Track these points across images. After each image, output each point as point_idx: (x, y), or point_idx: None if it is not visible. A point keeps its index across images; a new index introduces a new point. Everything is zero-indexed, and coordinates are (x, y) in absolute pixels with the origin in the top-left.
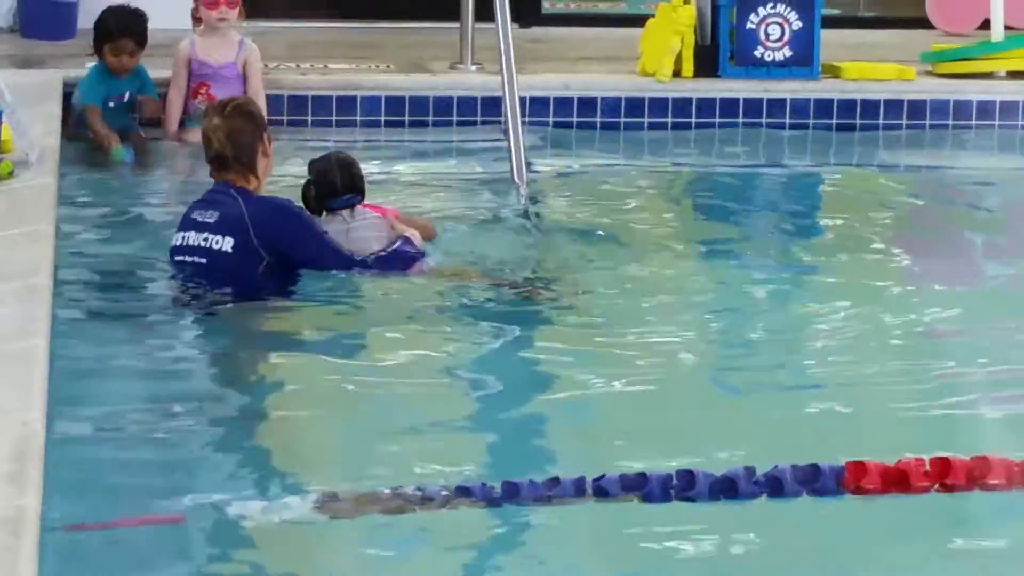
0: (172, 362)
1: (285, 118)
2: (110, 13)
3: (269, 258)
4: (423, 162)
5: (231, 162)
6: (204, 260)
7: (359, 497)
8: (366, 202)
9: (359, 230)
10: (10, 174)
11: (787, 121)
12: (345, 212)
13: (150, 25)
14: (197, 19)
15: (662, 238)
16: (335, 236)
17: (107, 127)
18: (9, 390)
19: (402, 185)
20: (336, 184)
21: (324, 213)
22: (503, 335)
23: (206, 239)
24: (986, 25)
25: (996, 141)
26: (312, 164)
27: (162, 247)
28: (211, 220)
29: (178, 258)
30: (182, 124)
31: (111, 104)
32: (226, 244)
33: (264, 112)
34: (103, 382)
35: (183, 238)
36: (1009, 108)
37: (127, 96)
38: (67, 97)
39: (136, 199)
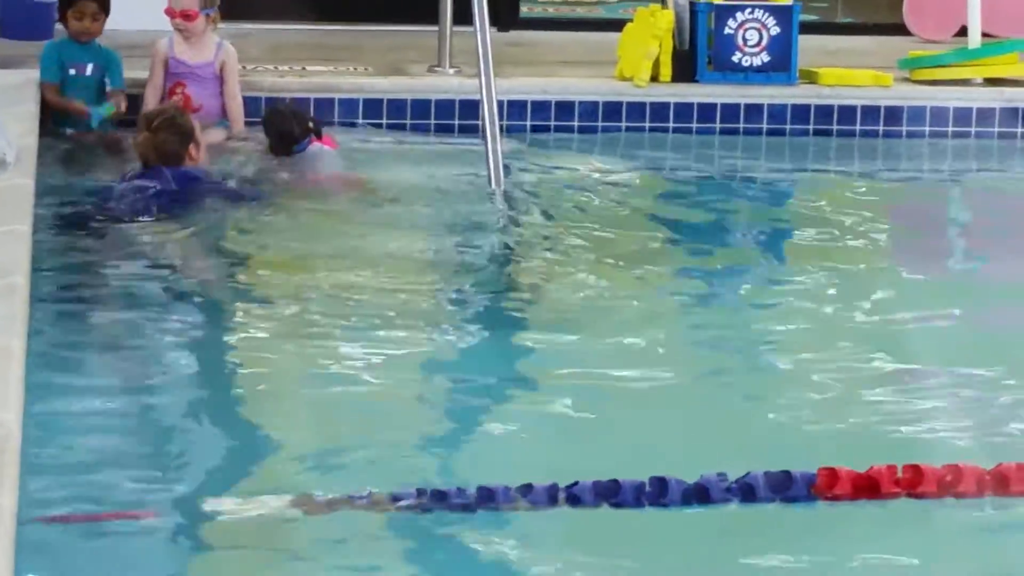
0: (148, 360)
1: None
2: None
3: None
4: (401, 165)
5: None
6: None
7: (334, 498)
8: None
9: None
10: None
11: (765, 127)
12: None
13: (132, 27)
14: None
15: (638, 242)
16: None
17: (67, 98)
18: None
19: (379, 188)
20: (294, 133)
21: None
22: (476, 338)
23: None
24: (963, 32)
25: (973, 148)
26: (270, 121)
27: (138, 246)
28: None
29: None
30: None
31: (72, 72)
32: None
33: (240, 112)
34: (79, 380)
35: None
36: (986, 115)
37: (90, 68)
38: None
39: (112, 199)
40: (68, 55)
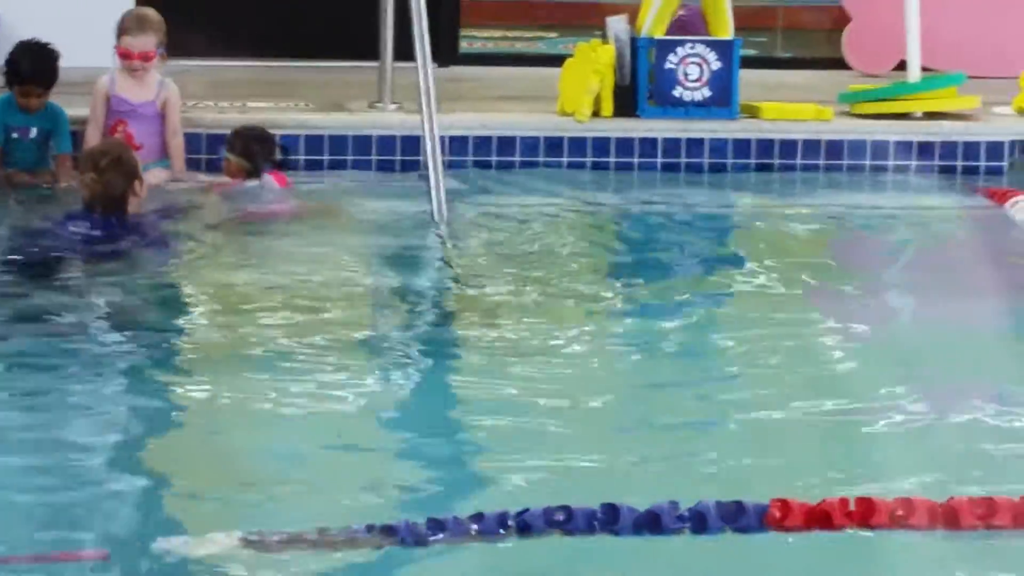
0: (95, 399)
1: (204, 157)
2: (20, 53)
3: None
4: (343, 199)
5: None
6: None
7: (285, 536)
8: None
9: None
10: None
11: (706, 161)
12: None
13: (70, 63)
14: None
15: (580, 277)
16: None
17: (5, 170)
18: None
19: (322, 222)
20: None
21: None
22: (419, 370)
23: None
24: (903, 66)
25: (912, 181)
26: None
27: (82, 292)
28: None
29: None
30: None
31: (14, 135)
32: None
33: (181, 150)
34: (27, 418)
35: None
36: (926, 148)
37: (34, 132)
38: None
39: (52, 242)
40: (10, 118)
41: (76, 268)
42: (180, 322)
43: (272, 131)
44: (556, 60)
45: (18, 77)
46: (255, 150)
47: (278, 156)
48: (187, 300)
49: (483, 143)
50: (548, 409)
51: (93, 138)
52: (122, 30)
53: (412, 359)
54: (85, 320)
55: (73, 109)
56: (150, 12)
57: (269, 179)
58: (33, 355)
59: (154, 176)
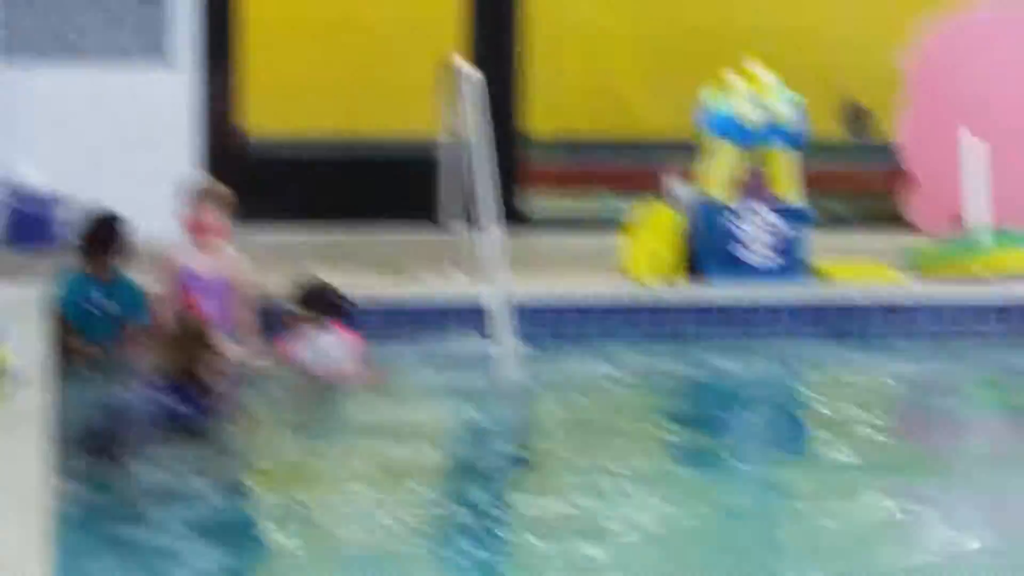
0: None
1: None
2: (90, 224)
3: None
4: (412, 367)
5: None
6: None
7: None
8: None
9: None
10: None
11: (775, 326)
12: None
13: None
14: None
15: (646, 444)
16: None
17: (77, 340)
18: None
19: (394, 388)
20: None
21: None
22: (489, 545)
23: None
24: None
25: (981, 345)
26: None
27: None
28: None
29: None
30: None
31: (88, 308)
32: None
33: (251, 320)
34: None
35: None
36: (991, 312)
37: (110, 305)
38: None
39: (132, 415)
40: (86, 291)
41: (157, 440)
42: (255, 496)
43: None
44: (622, 224)
45: (85, 245)
46: (319, 302)
47: (343, 308)
48: (268, 474)
49: (550, 311)
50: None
51: (163, 310)
52: (190, 202)
53: (482, 532)
54: (170, 495)
55: (138, 279)
56: (217, 184)
57: (333, 336)
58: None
59: (226, 348)
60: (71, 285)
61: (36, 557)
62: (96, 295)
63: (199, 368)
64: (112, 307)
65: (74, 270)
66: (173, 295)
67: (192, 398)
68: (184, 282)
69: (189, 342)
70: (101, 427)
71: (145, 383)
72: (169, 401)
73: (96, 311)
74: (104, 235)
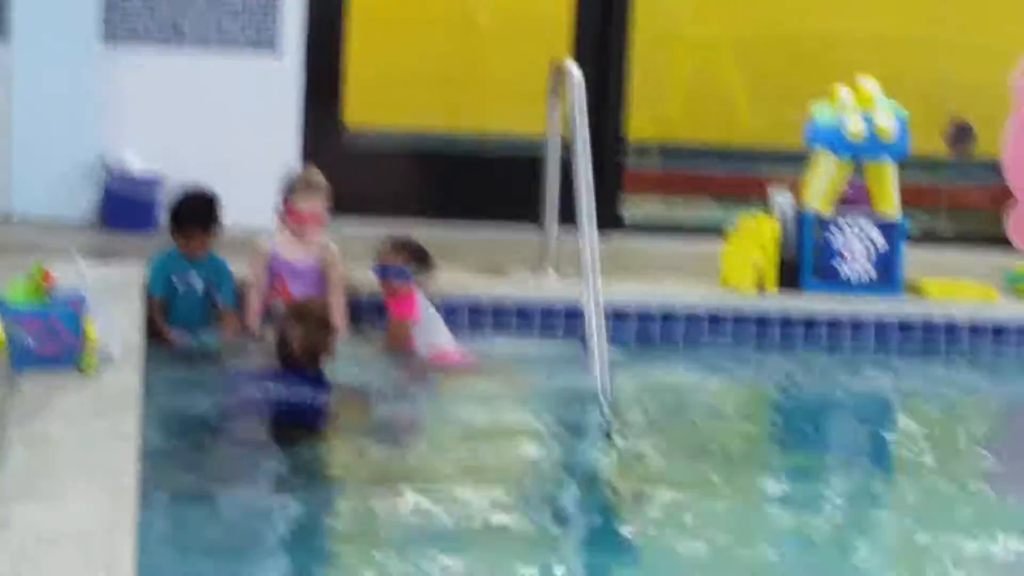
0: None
1: (362, 319)
2: (180, 198)
3: None
4: (503, 369)
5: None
6: None
7: None
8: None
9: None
10: (93, 368)
11: (869, 340)
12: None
13: (229, 221)
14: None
15: (742, 458)
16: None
17: (164, 323)
18: None
19: (479, 395)
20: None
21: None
22: (577, 552)
23: None
24: None
25: None
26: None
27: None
28: None
29: None
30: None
31: (179, 288)
32: None
33: (343, 309)
34: None
35: None
36: None
37: (199, 284)
38: None
39: (253, 397)
40: (176, 268)
41: (278, 426)
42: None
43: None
44: (719, 232)
45: (179, 221)
46: (409, 248)
47: (430, 260)
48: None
49: (646, 316)
50: None
51: (255, 299)
52: (291, 191)
53: (568, 539)
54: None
55: (233, 267)
56: (317, 173)
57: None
58: (203, 518)
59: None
60: (162, 262)
61: (122, 538)
62: (187, 273)
63: (325, 350)
64: (202, 286)
65: (166, 248)
66: (261, 281)
67: (313, 382)
68: (275, 269)
69: (316, 325)
70: (203, 412)
71: (254, 367)
72: (283, 386)
73: (184, 289)
74: (200, 212)
